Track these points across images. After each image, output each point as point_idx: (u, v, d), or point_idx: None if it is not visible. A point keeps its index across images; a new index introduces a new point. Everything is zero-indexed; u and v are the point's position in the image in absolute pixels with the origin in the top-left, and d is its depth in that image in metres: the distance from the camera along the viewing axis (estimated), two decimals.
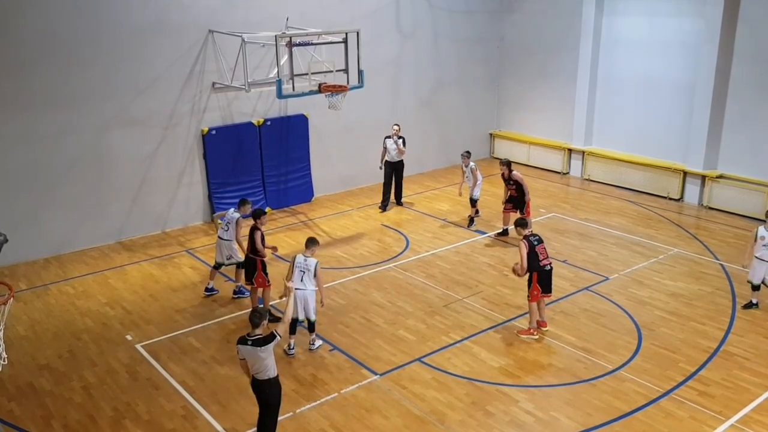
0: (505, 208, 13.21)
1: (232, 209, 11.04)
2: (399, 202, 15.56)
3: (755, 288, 10.32)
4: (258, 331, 6.89)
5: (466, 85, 18.65)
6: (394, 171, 15.18)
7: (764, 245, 10.02)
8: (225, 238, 10.85)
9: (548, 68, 18.11)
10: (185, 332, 9.92)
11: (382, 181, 15.28)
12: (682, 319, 10.06)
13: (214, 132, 14.13)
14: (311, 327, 9.37)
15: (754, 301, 10.35)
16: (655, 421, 7.70)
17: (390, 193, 15.37)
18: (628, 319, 10.10)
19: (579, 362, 8.95)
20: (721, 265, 12.01)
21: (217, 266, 11.07)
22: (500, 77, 19.33)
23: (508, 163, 13.14)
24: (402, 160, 15.08)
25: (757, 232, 10.15)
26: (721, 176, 14.93)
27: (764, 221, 10.28)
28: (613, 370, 8.74)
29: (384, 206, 15.27)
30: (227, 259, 10.93)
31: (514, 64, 18.94)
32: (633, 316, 10.15)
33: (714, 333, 9.66)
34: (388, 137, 14.91)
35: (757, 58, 14.07)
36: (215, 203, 14.42)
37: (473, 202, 14.04)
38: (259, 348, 6.78)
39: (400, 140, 14.81)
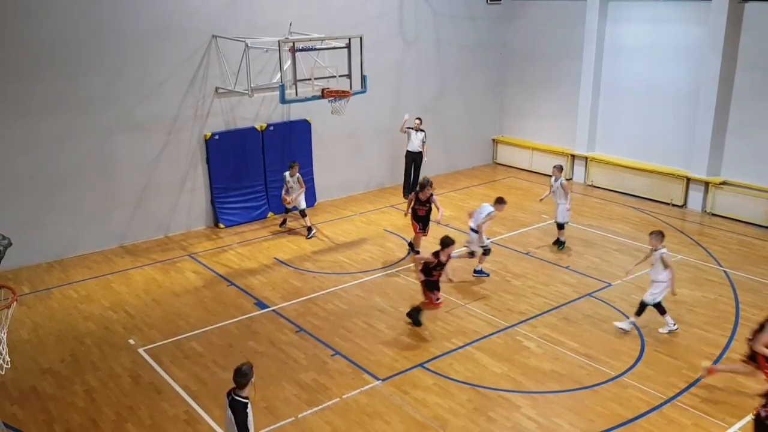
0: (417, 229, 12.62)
1: (487, 204, 11.75)
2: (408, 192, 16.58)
3: None
4: (244, 393, 6.04)
5: (469, 91, 18.68)
6: (413, 161, 16.15)
7: None
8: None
9: (551, 75, 18.13)
10: (188, 336, 9.92)
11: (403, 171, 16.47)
12: (685, 326, 10.03)
13: (217, 137, 14.16)
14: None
15: None
16: (657, 428, 7.67)
17: (410, 181, 16.38)
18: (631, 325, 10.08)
19: (581, 368, 8.93)
20: (725, 271, 11.99)
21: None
22: (503, 83, 19.36)
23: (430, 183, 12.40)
24: (421, 152, 16.05)
25: None
26: (724, 183, 14.92)
27: None
28: (616, 377, 8.72)
29: (407, 193, 16.23)
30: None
31: (518, 70, 18.97)
32: (636, 323, 10.12)
33: (717, 339, 9.63)
34: (411, 128, 16.08)
35: (761, 66, 14.07)
36: (218, 208, 14.45)
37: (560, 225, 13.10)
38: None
39: (421, 133, 15.91)
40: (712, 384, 8.50)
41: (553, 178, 12.98)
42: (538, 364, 9.07)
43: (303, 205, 13.90)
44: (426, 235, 12.54)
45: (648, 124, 16.25)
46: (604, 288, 11.34)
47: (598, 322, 10.18)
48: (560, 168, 13.01)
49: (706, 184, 15.12)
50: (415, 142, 15.97)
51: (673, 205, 15.67)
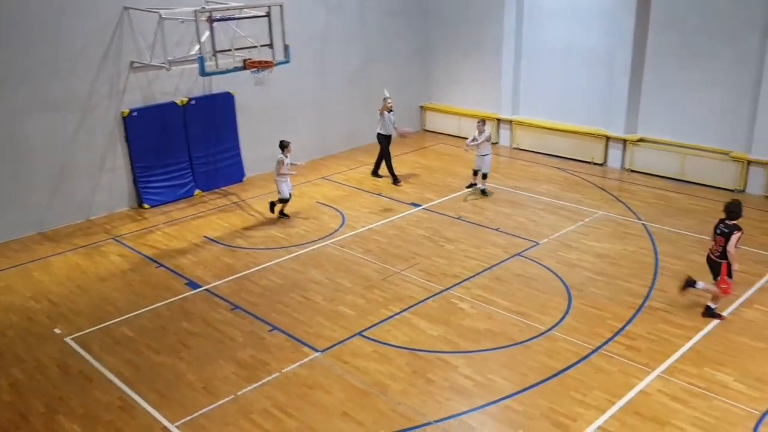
0: None
1: None
2: (376, 174, 15.71)
3: None
4: None
5: (395, 59, 18.60)
6: (387, 143, 15.35)
7: None
8: None
9: (474, 40, 18.26)
10: (117, 322, 9.63)
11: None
12: (608, 278, 10.48)
13: (135, 114, 13.61)
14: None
15: None
16: (586, 377, 8.03)
17: (380, 164, 15.60)
18: (559, 281, 10.45)
19: (514, 325, 9.21)
20: (644, 224, 12.55)
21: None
22: (429, 50, 19.37)
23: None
24: (390, 135, 15.29)
25: None
26: (641, 140, 15.53)
27: None
28: (546, 331, 9.05)
29: (393, 178, 15.39)
30: None
31: (442, 36, 19.01)
32: (563, 278, 10.50)
33: (638, 290, 10.11)
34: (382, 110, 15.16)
35: (671, 26, 14.62)
36: (141, 188, 13.96)
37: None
38: None
39: (393, 114, 15.17)
40: (635, 332, 8.95)
41: (477, 132, 14.04)
42: (473, 324, 9.30)
43: (287, 194, 13.11)
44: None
45: (568, 86, 16.65)
46: (532, 247, 11.68)
47: (527, 280, 10.50)
48: (484, 122, 14.30)
49: (624, 141, 15.71)
50: (388, 125, 15.08)
51: (594, 164, 16.23)
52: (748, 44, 13.57)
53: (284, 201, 13.14)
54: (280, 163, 12.81)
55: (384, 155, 15.38)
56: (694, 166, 14.60)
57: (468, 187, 14.59)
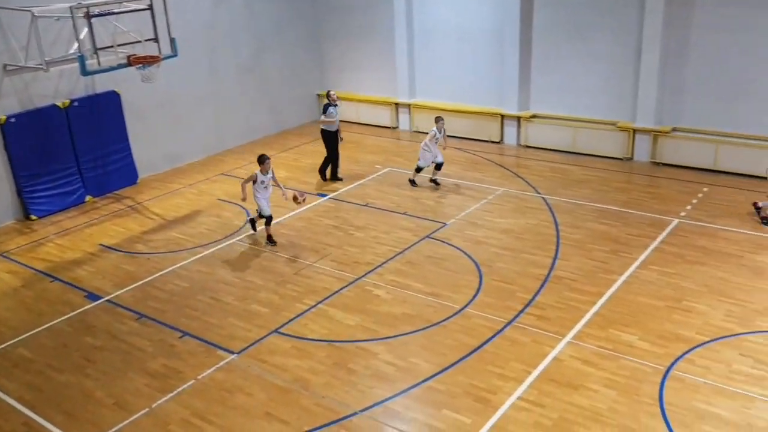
0: None
1: None
2: (335, 176, 14.57)
3: None
4: None
5: (288, 47, 18.27)
6: (331, 140, 14.37)
7: None
8: None
9: (366, 24, 18.22)
10: (13, 343, 8.97)
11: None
12: (514, 253, 10.82)
13: (13, 120, 12.64)
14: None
15: None
16: (502, 350, 8.26)
17: (337, 162, 14.56)
18: (468, 259, 10.67)
19: (429, 307, 9.33)
20: (543, 198, 13.03)
21: None
22: (321, 36, 19.14)
23: None
24: (335, 132, 14.31)
25: None
26: (534, 116, 16.10)
27: None
28: (460, 310, 9.22)
29: (324, 176, 14.57)
30: None
31: (333, 21, 18.82)
32: (472, 256, 10.74)
33: (543, 261, 10.50)
34: (329, 105, 14.18)
35: (555, 3, 15.17)
36: (26, 198, 13.02)
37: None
38: None
39: (332, 108, 14.21)
40: (544, 302, 9.29)
41: (436, 128, 13.60)
42: (389, 309, 9.33)
43: (268, 211, 11.49)
44: None
45: (462, 67, 16.95)
46: (440, 228, 11.86)
47: (438, 261, 10.66)
48: (442, 118, 13.87)
49: (518, 119, 16.22)
50: (337, 120, 14.24)
51: (492, 142, 16.67)
52: (628, 16, 14.26)
53: (268, 218, 11.47)
54: (250, 179, 11.31)
55: (329, 152, 14.44)
56: (584, 138, 15.31)
57: (432, 181, 13.92)
